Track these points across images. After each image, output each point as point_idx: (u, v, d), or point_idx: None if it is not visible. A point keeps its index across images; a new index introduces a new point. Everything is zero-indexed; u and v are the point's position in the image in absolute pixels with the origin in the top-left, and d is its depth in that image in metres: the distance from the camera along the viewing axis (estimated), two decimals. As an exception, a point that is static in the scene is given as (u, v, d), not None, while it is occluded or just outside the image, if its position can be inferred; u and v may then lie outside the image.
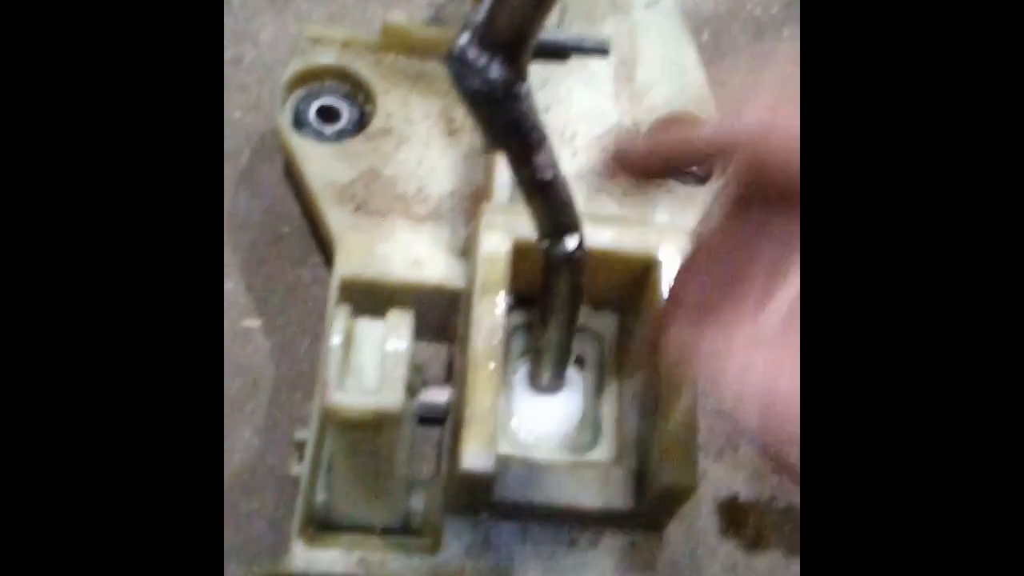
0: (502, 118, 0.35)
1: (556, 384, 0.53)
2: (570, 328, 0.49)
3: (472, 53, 0.33)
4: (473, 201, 0.56)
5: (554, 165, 0.38)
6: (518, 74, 0.34)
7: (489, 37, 0.33)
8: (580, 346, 0.55)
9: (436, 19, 0.71)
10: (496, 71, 0.33)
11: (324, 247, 0.60)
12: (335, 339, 0.40)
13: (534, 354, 0.53)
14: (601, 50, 0.44)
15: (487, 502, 0.46)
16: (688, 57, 0.63)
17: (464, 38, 0.33)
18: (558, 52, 0.42)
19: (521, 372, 0.54)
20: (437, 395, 0.53)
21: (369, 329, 0.41)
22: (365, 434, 0.42)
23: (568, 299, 0.46)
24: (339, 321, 0.40)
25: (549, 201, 0.40)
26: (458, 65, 0.33)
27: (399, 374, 0.40)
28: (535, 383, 0.54)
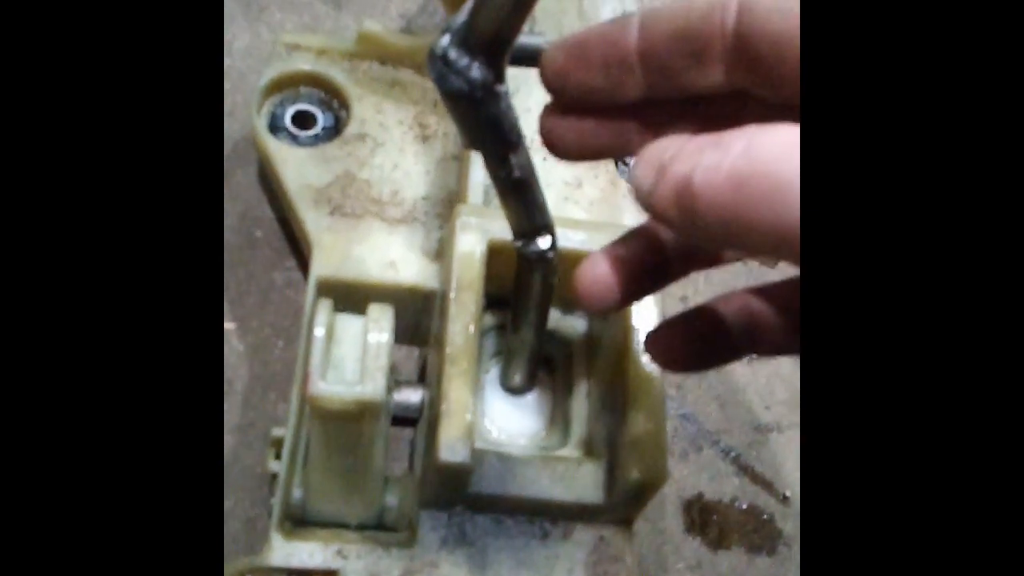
0: (481, 117, 0.36)
1: (527, 384, 0.55)
2: (541, 328, 0.50)
3: (453, 54, 0.34)
4: (446, 205, 0.57)
5: (529, 165, 0.39)
6: (498, 75, 0.35)
7: (470, 38, 0.34)
8: (549, 348, 0.56)
9: (407, 30, 0.73)
10: (477, 71, 0.34)
11: (299, 249, 0.61)
12: (319, 330, 0.41)
13: (505, 354, 0.54)
14: None
15: (462, 495, 0.47)
16: (654, 68, 0.64)
17: (446, 39, 0.34)
18: (532, 58, 0.44)
19: (492, 373, 0.55)
20: (410, 395, 0.54)
21: (350, 323, 0.42)
22: (345, 427, 0.43)
23: (540, 299, 0.47)
24: (323, 314, 0.41)
25: (524, 201, 0.41)
26: (440, 65, 0.34)
27: (381, 365, 0.41)
28: (506, 383, 0.55)
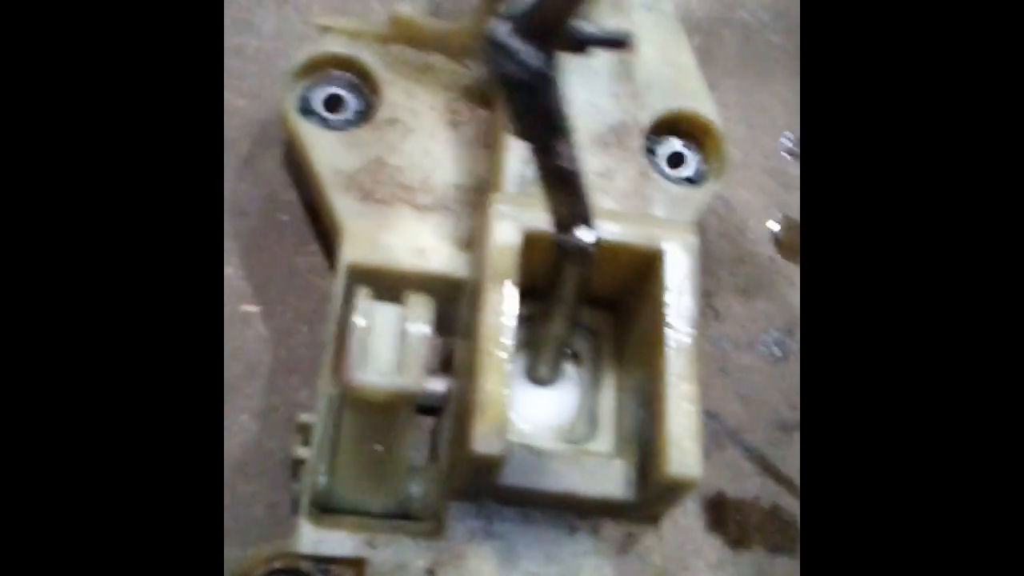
0: (535, 105, 0.35)
1: (553, 376, 0.54)
2: (573, 320, 0.49)
3: (510, 39, 0.33)
4: (476, 193, 0.56)
5: (577, 156, 0.39)
6: (552, 61, 0.35)
7: (527, 24, 0.33)
8: (575, 342, 0.56)
9: (435, 13, 0.72)
10: (534, 58, 0.33)
11: (324, 235, 0.60)
12: (360, 320, 0.40)
13: (533, 346, 0.53)
14: (622, 43, 0.44)
15: (491, 488, 0.47)
16: (685, 58, 0.64)
17: (502, 24, 0.33)
18: (578, 44, 0.43)
19: (518, 364, 0.55)
20: (435, 384, 0.53)
21: (387, 312, 0.42)
22: (378, 416, 0.43)
23: (575, 292, 0.46)
24: (362, 303, 0.41)
25: (569, 192, 0.41)
26: (495, 50, 0.33)
27: (419, 356, 0.41)
28: (533, 375, 0.54)
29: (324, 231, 0.60)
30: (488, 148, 0.58)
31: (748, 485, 0.62)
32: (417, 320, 0.41)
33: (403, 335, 0.41)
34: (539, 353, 0.53)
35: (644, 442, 0.48)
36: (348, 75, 0.60)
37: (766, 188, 0.71)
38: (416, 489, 0.50)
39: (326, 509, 0.49)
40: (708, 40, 0.77)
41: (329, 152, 0.56)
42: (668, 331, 0.48)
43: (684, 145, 0.62)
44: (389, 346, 0.41)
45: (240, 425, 0.56)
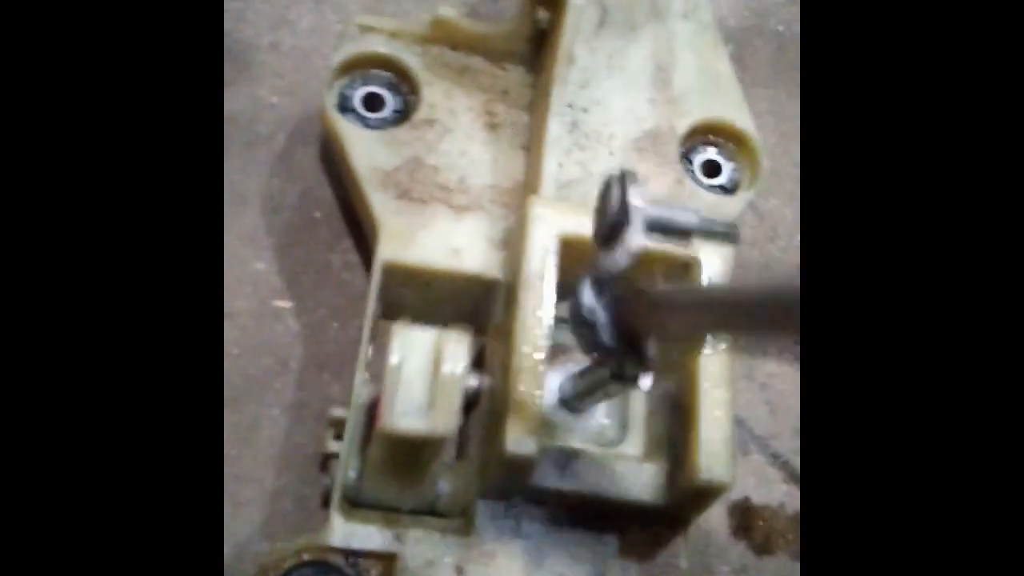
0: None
1: (585, 410, 0.54)
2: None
3: (598, 315, 0.37)
4: (512, 195, 0.56)
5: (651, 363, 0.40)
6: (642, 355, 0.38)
7: (617, 310, 0.37)
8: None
9: (470, 14, 0.72)
10: (617, 347, 0.37)
11: (359, 232, 0.61)
12: (394, 359, 0.41)
13: (573, 381, 0.53)
14: (728, 235, 0.43)
15: (522, 488, 0.47)
16: (723, 67, 0.64)
17: (592, 292, 0.38)
18: (684, 234, 0.41)
19: (551, 378, 0.54)
20: (468, 380, 0.53)
21: (423, 348, 0.42)
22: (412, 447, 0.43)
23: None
24: (398, 341, 0.41)
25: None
26: (581, 323, 0.37)
27: (453, 399, 0.41)
28: (566, 403, 0.54)
29: (358, 228, 0.61)
30: (525, 150, 0.58)
31: (773, 491, 0.62)
32: (452, 361, 0.42)
33: (437, 376, 0.42)
34: (579, 394, 0.53)
35: (674, 447, 0.48)
36: (387, 75, 0.60)
37: (795, 197, 0.71)
38: (444, 486, 0.50)
39: (355, 504, 0.49)
40: (740, 49, 0.77)
41: (367, 150, 0.57)
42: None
43: (719, 153, 0.62)
44: (423, 385, 0.42)
45: (271, 420, 0.56)
